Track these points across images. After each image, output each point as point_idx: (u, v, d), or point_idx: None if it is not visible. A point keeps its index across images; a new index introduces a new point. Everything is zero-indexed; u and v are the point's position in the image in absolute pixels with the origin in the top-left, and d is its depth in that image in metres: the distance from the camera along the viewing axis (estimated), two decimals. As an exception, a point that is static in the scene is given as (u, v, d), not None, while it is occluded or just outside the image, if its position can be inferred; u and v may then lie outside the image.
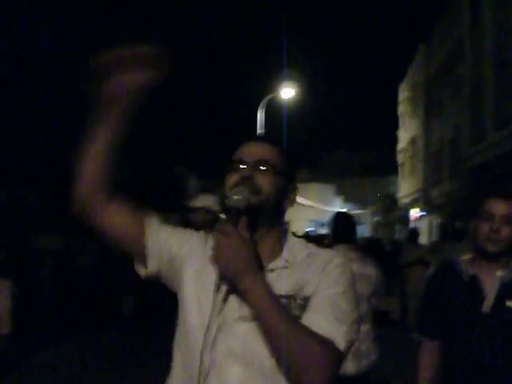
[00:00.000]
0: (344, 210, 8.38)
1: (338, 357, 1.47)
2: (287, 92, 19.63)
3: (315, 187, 39.90)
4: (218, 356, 1.51)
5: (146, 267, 1.73)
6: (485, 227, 2.48)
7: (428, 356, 2.69)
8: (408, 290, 11.45)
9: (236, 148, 1.70)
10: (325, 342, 1.44)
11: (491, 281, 2.50)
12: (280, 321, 1.42)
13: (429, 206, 27.93)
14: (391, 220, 36.68)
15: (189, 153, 38.53)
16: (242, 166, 1.62)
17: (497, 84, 17.36)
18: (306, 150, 45.86)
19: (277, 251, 1.63)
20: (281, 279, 1.55)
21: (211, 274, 1.55)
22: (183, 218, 4.91)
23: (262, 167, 1.60)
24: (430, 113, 28.49)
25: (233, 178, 1.60)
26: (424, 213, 29.32)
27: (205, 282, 1.60)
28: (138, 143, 26.84)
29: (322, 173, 43.17)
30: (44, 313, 10.34)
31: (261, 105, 20.36)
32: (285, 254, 1.62)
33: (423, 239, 16.83)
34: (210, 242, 1.58)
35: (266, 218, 1.60)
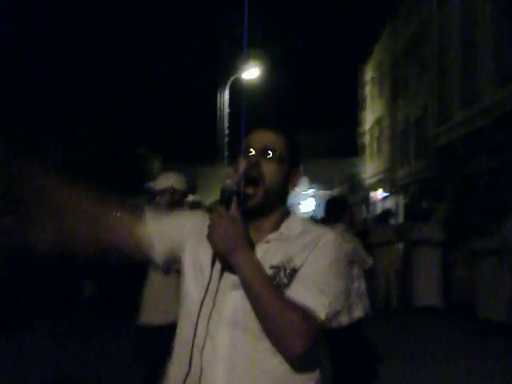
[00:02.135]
0: (336, 195, 9.40)
1: (317, 326, 1.62)
2: (251, 72, 19.36)
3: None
4: (211, 326, 1.67)
5: (155, 256, 1.87)
6: None
7: None
8: (378, 271, 11.34)
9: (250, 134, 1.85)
10: (304, 313, 1.59)
11: None
12: (265, 292, 1.59)
13: (394, 187, 28.04)
14: (355, 201, 37.13)
15: (151, 135, 38.29)
16: (250, 154, 1.79)
17: (463, 63, 17.32)
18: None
19: (277, 227, 1.80)
20: (273, 250, 1.72)
21: (208, 252, 1.69)
22: (149, 200, 4.72)
23: (267, 155, 1.78)
24: (395, 92, 28.46)
25: (242, 164, 1.77)
26: (387, 194, 29.46)
27: (202, 258, 1.76)
28: (101, 124, 26.40)
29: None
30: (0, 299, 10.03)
31: (223, 86, 20.06)
32: (282, 228, 1.79)
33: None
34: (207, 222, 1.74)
35: (270, 200, 1.78)
